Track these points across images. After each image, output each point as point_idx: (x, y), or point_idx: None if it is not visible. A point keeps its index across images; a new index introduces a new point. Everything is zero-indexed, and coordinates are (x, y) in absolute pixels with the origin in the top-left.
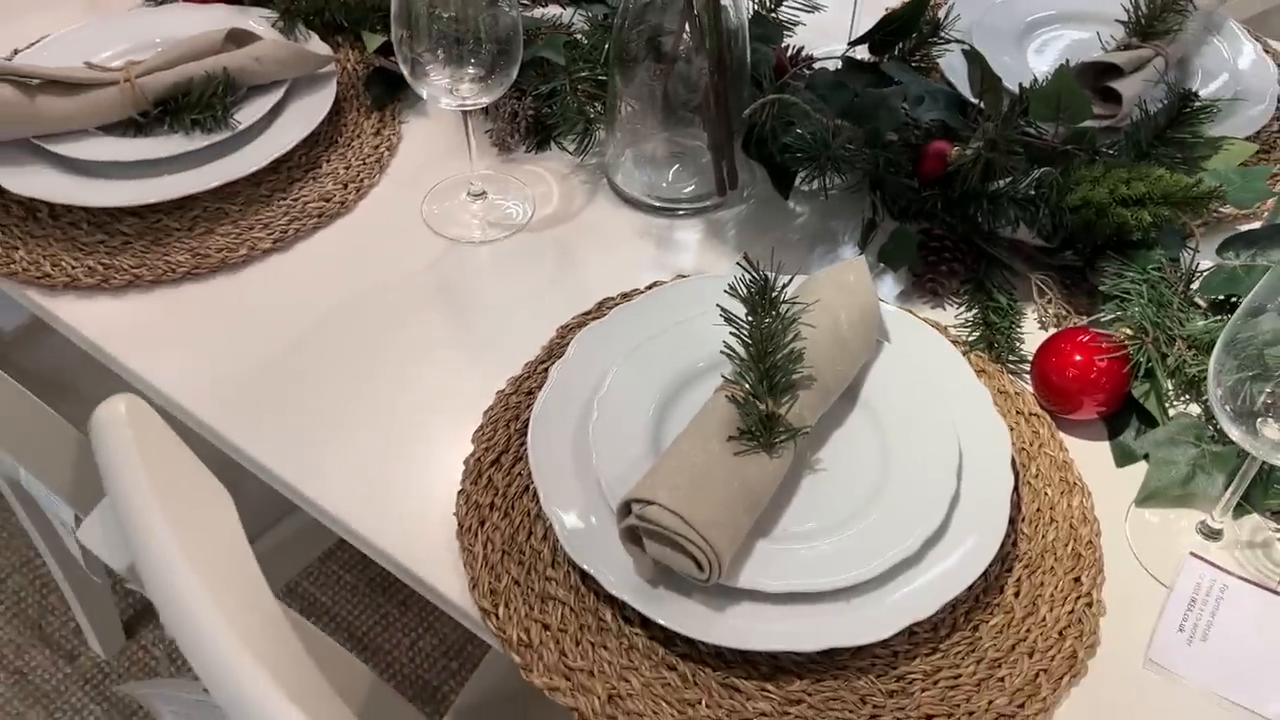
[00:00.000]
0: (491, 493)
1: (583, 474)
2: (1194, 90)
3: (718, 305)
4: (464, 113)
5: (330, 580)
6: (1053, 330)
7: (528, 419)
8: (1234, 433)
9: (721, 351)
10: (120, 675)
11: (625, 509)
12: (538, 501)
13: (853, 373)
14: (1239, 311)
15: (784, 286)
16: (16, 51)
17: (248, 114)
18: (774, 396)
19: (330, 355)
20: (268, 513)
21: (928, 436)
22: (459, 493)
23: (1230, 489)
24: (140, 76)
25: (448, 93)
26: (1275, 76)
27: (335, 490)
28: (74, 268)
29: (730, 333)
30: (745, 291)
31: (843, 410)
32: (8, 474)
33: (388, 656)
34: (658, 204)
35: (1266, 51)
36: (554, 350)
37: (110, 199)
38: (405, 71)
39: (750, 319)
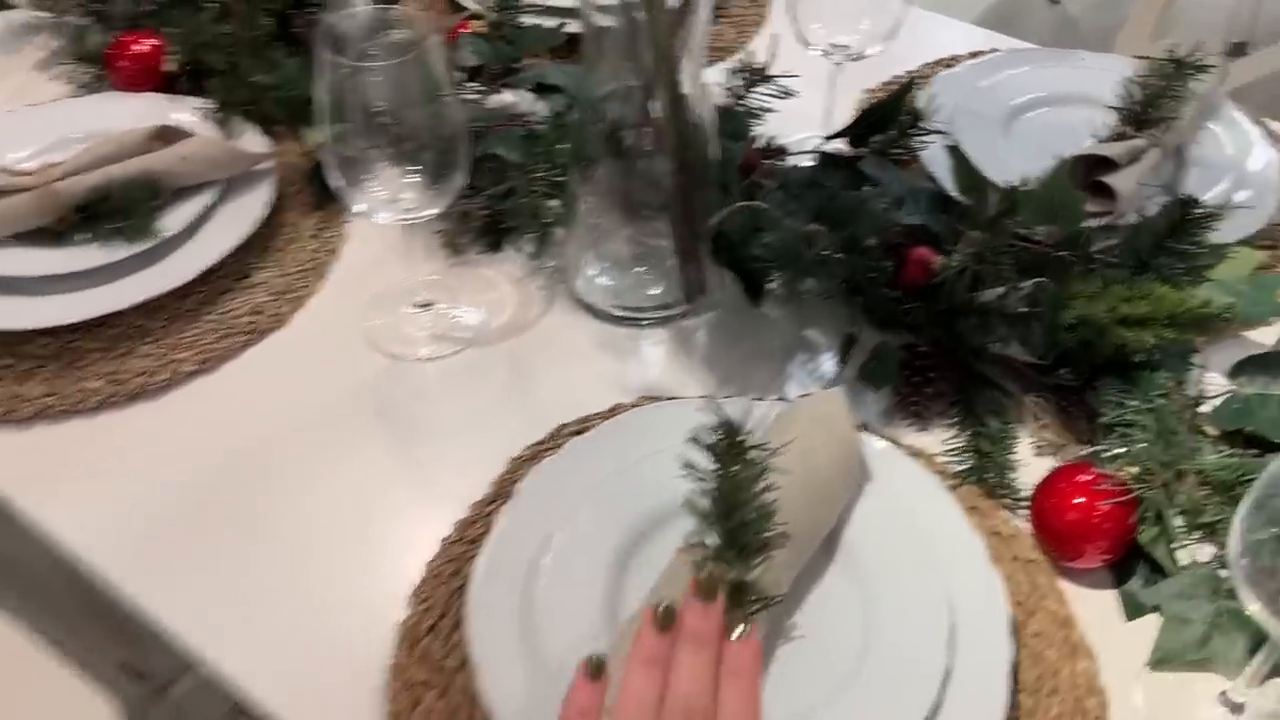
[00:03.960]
0: (427, 667)
1: (530, 649)
2: (1194, 196)
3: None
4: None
5: None
6: (1051, 461)
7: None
8: (1252, 606)
9: (683, 506)
10: None
11: None
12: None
13: (832, 520)
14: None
15: (753, 431)
16: None
17: (175, 219)
18: (743, 560)
19: (254, 494)
20: None
21: (915, 596)
22: (391, 666)
23: (1259, 659)
24: (58, 180)
25: (387, 204)
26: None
27: (248, 659)
28: None
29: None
30: (710, 439)
31: (820, 563)
32: None
33: None
34: (620, 313)
35: (1271, 137)
36: (502, 489)
37: (20, 320)
38: (336, 182)
39: (716, 470)
